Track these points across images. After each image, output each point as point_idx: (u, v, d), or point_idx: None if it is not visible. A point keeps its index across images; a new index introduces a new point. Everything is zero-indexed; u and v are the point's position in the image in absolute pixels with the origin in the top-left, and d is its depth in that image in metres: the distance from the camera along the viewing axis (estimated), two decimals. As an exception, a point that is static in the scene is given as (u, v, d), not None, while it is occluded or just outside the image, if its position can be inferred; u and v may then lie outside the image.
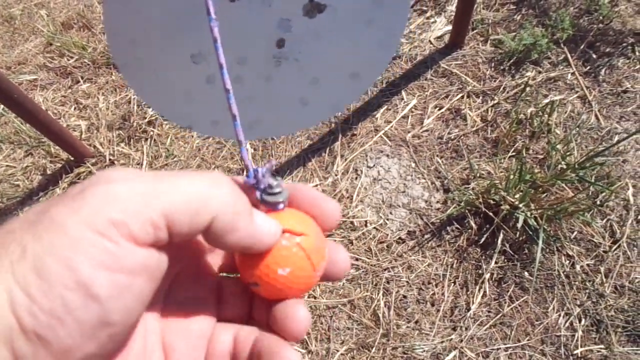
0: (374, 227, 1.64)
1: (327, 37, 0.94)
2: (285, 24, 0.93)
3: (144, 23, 0.86)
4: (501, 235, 1.51)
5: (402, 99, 1.93)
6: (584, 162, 1.51)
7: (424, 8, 2.17)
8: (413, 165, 1.75)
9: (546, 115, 1.72)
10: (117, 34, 0.87)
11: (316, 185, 1.75)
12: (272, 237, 0.32)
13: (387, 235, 1.62)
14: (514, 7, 2.05)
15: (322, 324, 1.52)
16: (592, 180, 1.54)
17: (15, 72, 2.32)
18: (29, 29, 2.51)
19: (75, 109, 2.17)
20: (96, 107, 2.13)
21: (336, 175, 1.76)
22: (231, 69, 0.94)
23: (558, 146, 1.64)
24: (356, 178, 1.75)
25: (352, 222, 1.65)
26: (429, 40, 2.07)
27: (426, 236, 1.60)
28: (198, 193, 0.28)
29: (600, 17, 1.90)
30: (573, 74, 1.83)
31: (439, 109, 1.87)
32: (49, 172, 1.98)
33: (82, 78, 2.24)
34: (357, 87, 1.01)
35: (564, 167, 1.55)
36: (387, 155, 1.79)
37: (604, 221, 1.54)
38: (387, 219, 1.65)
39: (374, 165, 1.77)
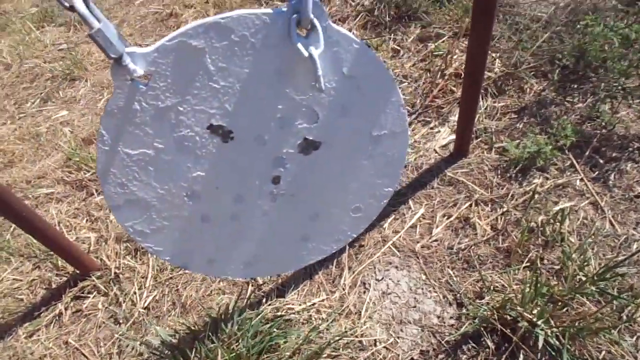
0: (384, 347, 1.54)
1: (325, 173, 0.95)
2: (280, 162, 0.95)
3: (135, 165, 0.89)
4: (521, 356, 1.40)
5: (410, 208, 1.91)
6: (604, 272, 1.44)
7: (428, 119, 2.23)
8: (423, 277, 1.69)
9: (558, 223, 1.68)
10: (107, 177, 0.89)
11: (322, 300, 1.69)
12: None
13: (399, 355, 1.52)
14: (516, 115, 2.09)
15: None
16: (615, 293, 1.46)
17: (34, 186, 2.39)
18: (52, 145, 2.63)
19: (87, 220, 2.20)
20: (107, 219, 2.16)
21: (343, 289, 1.71)
22: (228, 208, 0.95)
23: (574, 256, 1.57)
24: (364, 292, 1.69)
25: (360, 342, 1.56)
26: (434, 149, 2.10)
27: (440, 356, 1.50)
28: None
29: (603, 124, 1.91)
30: (581, 179, 1.81)
31: (448, 218, 1.84)
32: (53, 285, 1.96)
33: (96, 191, 2.30)
34: (359, 220, 1.00)
35: (582, 278, 1.48)
36: (396, 267, 1.73)
37: (634, 339, 1.43)
38: (398, 337, 1.56)
39: (382, 278, 1.71)
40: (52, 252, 1.98)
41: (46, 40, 3.61)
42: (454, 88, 2.31)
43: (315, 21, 0.75)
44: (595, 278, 1.40)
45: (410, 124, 2.25)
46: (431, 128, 2.20)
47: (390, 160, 0.91)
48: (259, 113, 0.84)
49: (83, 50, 3.35)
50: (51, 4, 3.92)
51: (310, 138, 0.87)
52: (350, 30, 2.89)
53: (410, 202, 1.93)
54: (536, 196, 1.78)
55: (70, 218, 2.20)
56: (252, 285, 1.79)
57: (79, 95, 2.96)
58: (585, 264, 1.54)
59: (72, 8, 0.70)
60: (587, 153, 1.87)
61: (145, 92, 0.81)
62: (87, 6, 0.70)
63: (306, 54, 0.75)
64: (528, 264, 1.63)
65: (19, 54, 3.48)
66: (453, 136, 2.09)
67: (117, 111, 0.82)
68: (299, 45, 0.75)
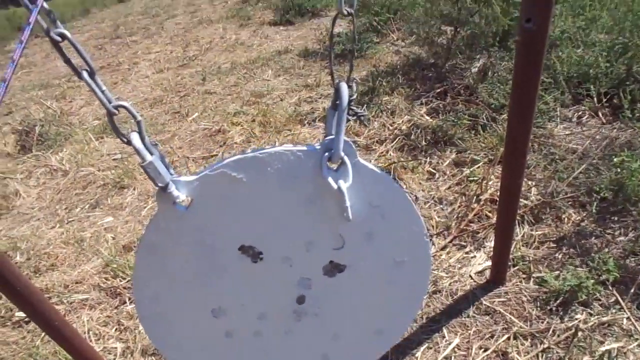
0: None
1: (348, 294, 0.96)
2: (305, 282, 0.97)
3: (169, 280, 0.92)
4: None
5: (444, 337, 1.83)
6: None
7: (463, 243, 2.21)
8: (457, 417, 1.57)
9: (605, 366, 1.56)
10: (142, 290, 0.93)
11: None
12: None
13: None
14: (554, 245, 2.05)
15: None
16: None
17: (70, 291, 2.45)
18: (94, 250, 2.72)
19: (116, 330, 2.20)
20: (135, 329, 2.16)
21: None
22: (252, 325, 0.95)
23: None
24: None
25: None
26: (470, 275, 2.05)
27: None
28: None
29: (647, 259, 1.85)
30: (628, 318, 1.71)
31: (484, 351, 1.74)
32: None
33: (129, 299, 2.32)
34: (381, 343, 0.98)
35: None
36: (428, 403, 1.62)
37: None
38: None
39: (413, 415, 1.60)
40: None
41: (103, 150, 3.90)
42: (489, 213, 2.31)
43: (346, 158, 0.80)
44: None
45: (444, 247, 2.24)
46: (466, 253, 2.17)
47: (413, 286, 0.92)
48: (288, 237, 0.88)
49: (134, 160, 3.58)
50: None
51: (336, 261, 0.90)
52: (387, 151, 3.01)
53: (445, 331, 1.85)
54: (579, 333, 1.68)
55: (101, 326, 2.21)
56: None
57: (125, 202, 3.12)
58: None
59: (129, 142, 0.78)
60: (632, 290, 1.78)
61: (186, 214, 0.86)
62: (143, 141, 0.78)
63: (335, 187, 0.79)
64: (573, 410, 1.49)
65: (77, 162, 3.76)
66: (489, 262, 2.05)
67: (158, 230, 0.86)
68: (330, 179, 0.80)
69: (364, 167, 0.85)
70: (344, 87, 0.80)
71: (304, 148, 0.82)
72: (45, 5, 0.78)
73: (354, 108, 0.82)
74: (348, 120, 0.80)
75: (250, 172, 0.83)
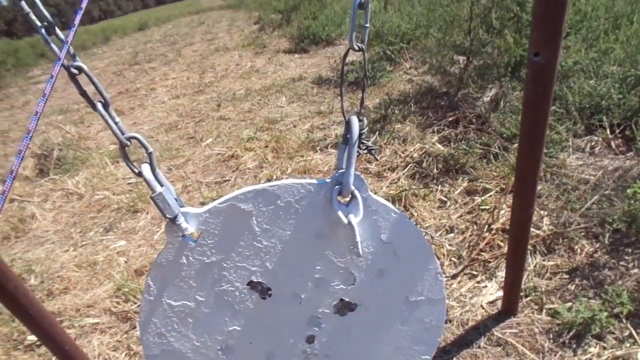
0: None
1: (359, 335, 0.95)
2: (315, 321, 0.96)
3: (176, 316, 0.93)
4: None
5: (455, 368, 1.81)
6: None
7: (474, 272, 2.20)
8: None
9: (619, 402, 1.53)
10: (148, 326, 0.93)
11: None
12: None
13: None
14: (567, 276, 2.03)
15: None
16: None
17: (82, 315, 2.46)
18: (106, 274, 2.75)
19: (125, 355, 2.20)
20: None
21: None
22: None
23: None
24: None
25: None
26: (481, 305, 2.03)
27: None
28: None
29: (663, 293, 1.82)
30: (643, 353, 1.67)
31: (495, 384, 1.71)
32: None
33: (139, 324, 2.33)
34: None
35: None
36: None
37: None
38: None
39: None
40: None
41: (118, 174, 3.96)
42: (501, 243, 2.30)
43: (356, 192, 0.81)
44: None
45: (456, 276, 2.22)
46: (478, 282, 2.15)
47: (428, 327, 0.90)
48: (297, 272, 0.88)
49: (149, 185, 3.63)
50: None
51: (347, 299, 0.89)
52: (398, 179, 3.02)
53: (455, 362, 1.83)
54: (593, 368, 1.65)
55: (111, 350, 2.21)
56: None
57: (138, 226, 3.15)
58: None
59: (140, 174, 0.80)
60: (647, 324, 1.75)
61: (194, 247, 0.87)
62: (153, 172, 0.80)
63: (346, 221, 0.80)
64: None
65: (93, 185, 3.82)
66: (501, 292, 2.03)
67: (166, 264, 0.88)
68: (340, 214, 0.81)
69: (375, 202, 0.85)
70: (354, 121, 0.81)
71: (315, 182, 0.83)
72: (62, 37, 0.82)
73: (365, 142, 0.84)
74: (359, 154, 0.82)
75: (260, 204, 0.84)
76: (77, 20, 0.84)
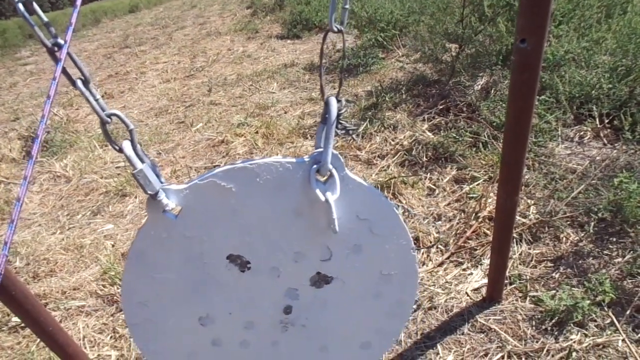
0: None
1: (335, 306, 0.96)
2: (292, 293, 0.97)
3: (157, 287, 0.93)
4: None
5: (438, 353, 1.82)
6: None
7: (460, 260, 2.21)
8: None
9: (598, 388, 1.55)
10: (130, 296, 0.93)
11: None
12: None
13: None
14: (552, 264, 2.04)
15: None
16: None
17: (68, 298, 2.45)
18: (93, 257, 2.73)
19: (111, 337, 2.20)
20: (131, 338, 2.15)
21: None
22: (239, 334, 0.96)
23: None
24: None
25: None
26: (466, 292, 2.04)
27: None
28: None
29: (645, 281, 1.83)
30: (623, 340, 1.69)
31: (478, 369, 1.73)
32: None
33: (120, 293, 2.32)
34: (368, 356, 0.98)
35: None
36: (419, 420, 1.61)
37: None
38: None
39: None
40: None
41: (107, 157, 3.93)
42: (487, 231, 2.31)
43: (334, 171, 0.81)
44: None
45: (442, 263, 2.23)
46: (463, 269, 2.17)
47: (400, 300, 0.92)
48: (276, 247, 0.89)
49: (138, 169, 3.60)
50: (117, 126, 4.31)
51: (323, 272, 0.91)
52: (388, 166, 3.02)
53: (439, 348, 1.84)
54: (574, 354, 1.67)
55: (96, 333, 2.21)
56: None
57: (126, 210, 3.13)
58: None
59: (120, 150, 0.79)
60: (628, 312, 1.77)
61: (175, 223, 0.87)
62: (134, 149, 0.79)
63: (323, 199, 0.80)
64: None
65: (81, 169, 3.79)
66: (486, 280, 2.04)
67: (148, 238, 0.87)
68: (317, 191, 0.81)
69: (352, 181, 0.85)
70: (333, 101, 0.81)
71: (293, 160, 0.83)
72: (44, 17, 0.80)
73: (343, 122, 0.83)
74: (337, 134, 0.81)
75: (240, 182, 0.84)
76: (78, 1, 0.82)
